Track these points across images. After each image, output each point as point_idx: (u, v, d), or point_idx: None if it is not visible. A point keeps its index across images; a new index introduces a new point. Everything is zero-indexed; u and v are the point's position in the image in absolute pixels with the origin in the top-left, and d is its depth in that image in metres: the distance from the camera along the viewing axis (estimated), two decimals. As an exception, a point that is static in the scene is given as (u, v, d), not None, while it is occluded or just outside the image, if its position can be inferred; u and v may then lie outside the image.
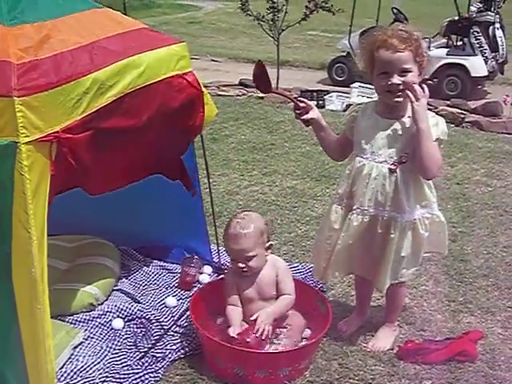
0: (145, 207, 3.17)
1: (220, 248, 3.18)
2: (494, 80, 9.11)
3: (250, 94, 7.78)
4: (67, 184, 2.32)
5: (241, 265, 2.42)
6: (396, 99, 2.27)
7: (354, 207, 2.38)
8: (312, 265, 3.07)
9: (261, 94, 8.02)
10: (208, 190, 3.10)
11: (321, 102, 6.97)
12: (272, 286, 2.49)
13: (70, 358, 2.41)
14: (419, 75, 2.27)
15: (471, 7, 8.56)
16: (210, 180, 3.10)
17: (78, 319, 2.65)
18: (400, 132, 2.30)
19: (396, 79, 2.22)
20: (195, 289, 2.89)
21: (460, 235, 3.53)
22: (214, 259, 3.17)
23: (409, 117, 2.28)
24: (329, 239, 2.47)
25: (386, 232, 2.36)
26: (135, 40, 2.44)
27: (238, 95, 7.75)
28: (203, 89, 2.72)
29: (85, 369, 2.35)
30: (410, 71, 2.23)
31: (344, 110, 6.79)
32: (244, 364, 2.26)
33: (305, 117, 2.41)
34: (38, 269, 1.93)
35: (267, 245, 2.49)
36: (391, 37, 2.22)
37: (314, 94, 7.07)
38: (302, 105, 2.41)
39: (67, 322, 2.62)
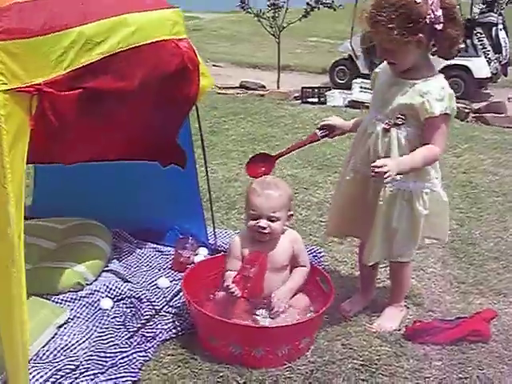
0: (139, 189, 3.04)
1: (216, 230, 3.05)
2: (497, 82, 8.99)
3: (250, 92, 7.68)
4: (45, 146, 2.16)
5: (263, 224, 2.25)
6: (389, 66, 2.21)
7: (351, 162, 2.33)
8: (313, 247, 2.99)
9: (262, 92, 7.93)
10: (205, 177, 2.97)
11: (322, 99, 6.84)
12: (286, 257, 2.34)
13: (53, 336, 2.25)
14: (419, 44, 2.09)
15: (474, 8, 8.46)
16: (208, 169, 2.98)
17: (65, 298, 2.50)
18: (401, 92, 2.15)
19: (383, 53, 2.16)
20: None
21: (467, 220, 3.38)
22: (210, 241, 3.02)
23: (414, 79, 2.13)
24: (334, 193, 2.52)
25: (376, 197, 2.23)
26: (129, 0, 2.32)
27: (238, 93, 7.64)
28: (199, 58, 2.58)
29: (69, 347, 2.20)
30: (396, 49, 2.09)
31: (346, 106, 6.68)
32: (240, 340, 2.10)
33: (332, 136, 2.47)
34: (16, 230, 1.76)
35: (289, 214, 2.35)
36: (374, 11, 2.06)
37: (316, 90, 6.95)
38: (319, 134, 2.43)
39: (53, 301, 2.47)
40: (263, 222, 2.25)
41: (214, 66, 13.41)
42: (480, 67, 8.27)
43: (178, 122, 2.74)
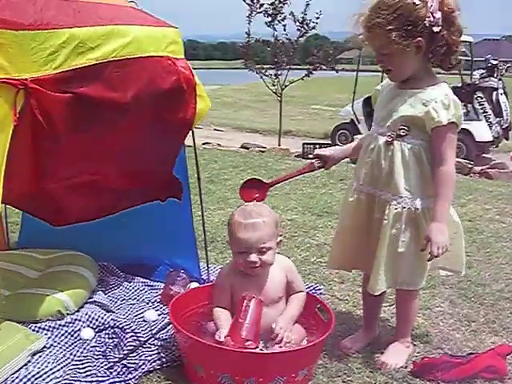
0: (131, 222, 2.90)
1: (210, 266, 2.88)
2: (498, 147, 9.02)
3: (251, 149, 7.67)
4: (35, 170, 2.07)
5: (254, 258, 2.04)
6: (386, 75, 2.13)
7: (354, 182, 2.20)
8: (312, 284, 2.83)
9: (263, 144, 7.94)
10: (201, 220, 2.84)
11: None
12: (280, 289, 2.14)
13: (26, 364, 2.05)
14: (418, 49, 2.00)
15: (474, 73, 8.60)
16: (205, 213, 2.86)
17: (43, 326, 2.31)
18: (402, 102, 2.05)
19: (379, 59, 2.06)
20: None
21: (476, 262, 3.20)
22: (203, 276, 2.84)
23: (416, 88, 2.04)
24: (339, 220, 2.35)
25: (382, 218, 2.08)
26: (125, 13, 2.29)
27: (238, 149, 7.62)
28: (196, 79, 2.51)
29: (41, 375, 2.00)
30: (392, 53, 2.00)
31: (348, 163, 6.62)
32: (230, 368, 1.89)
33: (327, 167, 2.38)
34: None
35: (278, 239, 2.14)
36: (371, 14, 1.98)
37: (317, 146, 6.93)
38: (316, 164, 2.34)
39: (30, 329, 2.27)
40: (253, 257, 2.04)
41: (215, 130, 13.59)
42: (481, 131, 8.32)
43: (174, 148, 2.65)
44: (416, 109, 2.01)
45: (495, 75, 8.39)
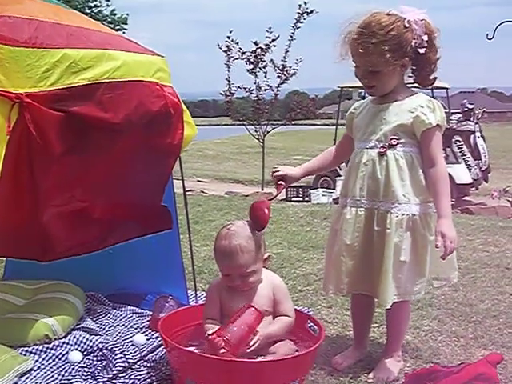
0: (119, 253, 2.89)
1: (198, 293, 2.88)
2: (478, 189, 9.18)
3: (234, 194, 7.73)
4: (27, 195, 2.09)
5: (237, 282, 2.06)
6: (368, 91, 2.23)
7: (348, 199, 2.20)
8: (301, 307, 2.81)
9: (246, 192, 8.01)
10: (188, 255, 2.89)
11: (307, 198, 6.87)
12: (267, 303, 2.13)
13: (13, 385, 2.01)
14: (402, 68, 2.13)
15: (451, 117, 8.84)
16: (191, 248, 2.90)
17: (30, 350, 2.27)
18: (388, 114, 2.15)
19: (364, 76, 2.15)
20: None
21: (462, 286, 3.23)
22: (192, 303, 2.83)
23: (397, 100, 2.15)
24: (331, 242, 2.29)
25: (383, 229, 2.11)
26: (115, 40, 2.38)
27: (221, 195, 7.67)
28: (183, 106, 2.58)
29: (29, 394, 1.95)
30: (380, 71, 2.10)
31: (331, 203, 6.70)
32: (221, 379, 1.87)
33: (287, 185, 2.40)
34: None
35: (265, 257, 2.14)
36: (362, 31, 2.09)
37: (300, 189, 7.00)
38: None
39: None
40: (237, 280, 2.06)
41: (198, 181, 13.65)
42: (461, 173, 8.50)
43: (163, 177, 2.67)
44: (403, 117, 2.11)
45: (472, 119, 8.64)
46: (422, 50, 2.09)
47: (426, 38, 2.08)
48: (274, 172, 2.35)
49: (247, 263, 2.04)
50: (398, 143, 2.12)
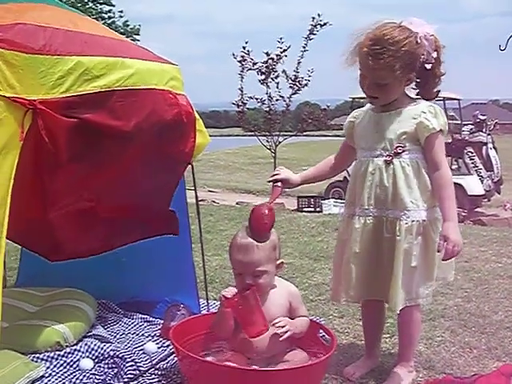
0: (131, 262, 2.91)
1: (210, 302, 2.88)
2: (490, 201, 9.11)
3: (245, 204, 7.73)
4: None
5: (248, 281, 2.05)
6: (371, 101, 2.23)
7: (356, 210, 2.19)
8: (312, 317, 2.80)
9: (257, 203, 8.01)
10: (200, 264, 2.89)
11: (318, 208, 6.86)
12: (282, 312, 2.12)
13: (25, 391, 2.01)
14: (407, 82, 2.15)
15: (463, 128, 8.81)
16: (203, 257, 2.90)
17: (42, 357, 2.27)
18: (391, 122, 2.16)
19: (370, 86, 2.14)
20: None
21: (475, 297, 3.21)
22: (203, 311, 2.83)
23: (399, 108, 2.16)
24: (339, 252, 2.28)
25: (393, 236, 2.11)
26: (129, 48, 2.39)
27: (232, 205, 7.68)
28: (196, 114, 2.59)
29: (41, 401, 1.96)
30: (386, 84, 2.11)
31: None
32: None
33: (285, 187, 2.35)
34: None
35: (278, 262, 2.15)
36: (373, 43, 2.08)
37: (312, 199, 6.99)
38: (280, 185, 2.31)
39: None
40: (248, 279, 2.05)
41: (209, 191, 13.67)
42: (473, 185, 8.44)
43: (172, 182, 2.69)
44: (407, 124, 2.12)
45: (484, 130, 8.61)
46: (428, 66, 2.11)
47: (435, 54, 2.11)
48: (274, 174, 2.33)
49: (260, 261, 2.04)
50: (403, 151, 2.12)
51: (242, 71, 10.06)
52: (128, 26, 24.68)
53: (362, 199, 2.18)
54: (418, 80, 2.18)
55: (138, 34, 24.72)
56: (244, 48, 10.54)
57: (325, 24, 10.93)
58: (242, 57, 10.33)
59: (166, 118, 2.37)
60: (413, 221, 2.09)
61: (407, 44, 2.07)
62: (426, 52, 2.10)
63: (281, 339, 1.98)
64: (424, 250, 2.12)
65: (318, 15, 10.92)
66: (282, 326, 2.01)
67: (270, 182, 2.34)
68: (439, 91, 2.22)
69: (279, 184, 2.31)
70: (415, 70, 2.11)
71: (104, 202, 2.50)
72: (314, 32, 10.96)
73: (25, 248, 2.87)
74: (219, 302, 2.09)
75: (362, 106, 2.40)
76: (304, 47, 10.77)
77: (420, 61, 2.10)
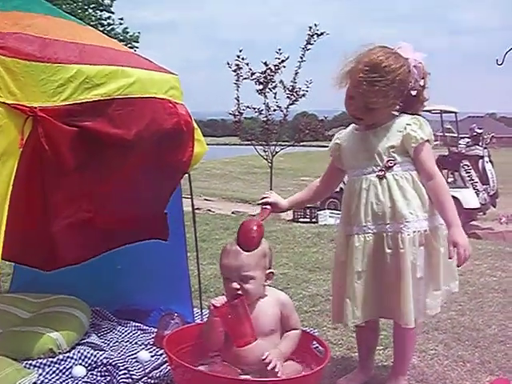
0: (126, 269, 2.92)
1: (204, 311, 2.87)
2: (486, 214, 9.13)
3: (241, 214, 7.73)
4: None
5: (235, 285, 2.05)
6: (356, 122, 2.24)
7: (354, 228, 2.18)
8: (306, 328, 2.80)
9: (253, 213, 8.01)
10: (194, 273, 2.91)
11: (314, 219, 6.87)
12: (273, 322, 2.12)
13: (16, 399, 2.00)
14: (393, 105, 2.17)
15: (460, 141, 8.84)
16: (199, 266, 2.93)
17: (34, 364, 2.27)
18: (378, 138, 2.17)
19: (358, 109, 2.16)
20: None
21: (468, 311, 3.21)
22: (197, 321, 2.82)
23: (384, 124, 2.18)
24: (339, 273, 2.26)
25: (396, 250, 2.11)
26: (129, 57, 2.40)
27: (228, 214, 7.67)
28: (194, 124, 2.60)
29: (32, 408, 1.95)
30: (375, 107, 2.12)
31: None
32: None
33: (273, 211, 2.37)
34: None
35: (268, 271, 2.14)
36: (364, 68, 2.10)
37: (307, 210, 7.00)
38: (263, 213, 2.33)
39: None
40: (235, 284, 2.05)
41: (205, 199, 13.66)
42: (469, 198, 8.46)
43: (168, 191, 2.70)
44: (394, 138, 2.15)
45: (480, 143, 8.64)
46: (414, 93, 2.16)
47: (422, 82, 2.16)
48: (264, 197, 2.37)
49: (248, 266, 2.04)
50: (394, 164, 2.14)
51: (237, 80, 10.09)
52: (127, 33, 24.75)
53: (358, 217, 2.17)
54: (401, 104, 2.19)
55: (137, 42, 24.79)
56: (238, 56, 10.58)
57: (321, 34, 10.99)
58: (237, 65, 10.38)
59: (165, 127, 2.38)
60: (414, 231, 2.10)
61: (401, 73, 2.11)
62: (414, 80, 2.15)
63: (274, 371, 1.95)
64: (428, 259, 2.13)
65: (315, 25, 10.99)
66: (269, 363, 1.95)
67: (259, 204, 2.38)
68: (423, 107, 2.26)
69: (268, 207, 2.34)
70: (402, 95, 2.15)
71: (102, 212, 2.50)
72: (311, 42, 11.02)
73: (15, 262, 2.86)
74: (208, 311, 2.09)
75: None
76: (301, 57, 10.83)
77: (407, 87, 2.15)
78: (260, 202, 2.37)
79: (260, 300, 2.13)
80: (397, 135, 2.14)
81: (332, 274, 2.38)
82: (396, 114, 2.21)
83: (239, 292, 2.05)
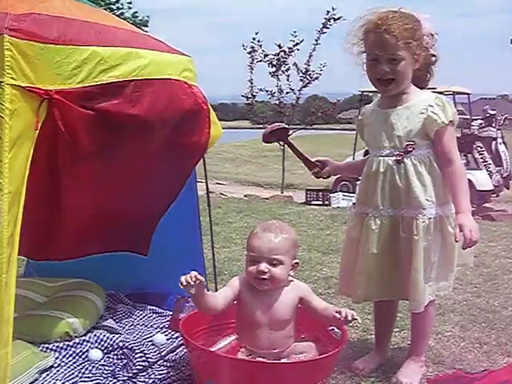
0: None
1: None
2: (499, 196, 9.06)
3: (254, 197, 7.71)
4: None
5: (263, 267, 2.00)
6: (384, 88, 2.14)
7: (369, 210, 2.16)
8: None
9: (265, 195, 7.99)
10: (209, 256, 2.92)
11: (327, 201, 6.84)
12: (290, 311, 2.09)
13: (33, 381, 2.02)
14: (416, 63, 2.11)
15: (473, 123, 8.75)
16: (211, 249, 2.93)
17: (50, 347, 2.28)
18: (399, 119, 2.13)
19: (385, 67, 2.08)
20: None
21: (484, 293, 3.20)
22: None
23: (406, 102, 2.13)
24: (349, 248, 2.27)
25: (410, 235, 2.08)
26: (142, 39, 2.37)
27: (240, 198, 7.67)
28: (209, 106, 2.57)
29: (50, 392, 1.96)
30: (402, 59, 2.06)
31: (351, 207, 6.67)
32: (243, 381, 1.86)
33: (321, 175, 2.41)
34: (6, 230, 1.63)
35: (294, 262, 2.10)
36: (383, 19, 2.05)
37: (320, 193, 6.97)
38: (315, 170, 2.40)
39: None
40: (263, 266, 2.00)
41: (217, 183, 13.66)
42: (482, 180, 8.38)
43: (184, 174, 2.68)
44: (415, 120, 2.10)
45: (493, 125, 8.54)
46: (432, 51, 2.12)
47: (436, 37, 2.12)
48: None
49: (280, 248, 2.01)
50: (413, 148, 2.10)
51: (251, 62, 10.03)
52: (137, 17, 24.63)
53: (375, 200, 2.15)
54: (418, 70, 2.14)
55: (147, 26, 24.66)
56: (254, 39, 10.52)
57: (338, 18, 10.85)
58: (252, 48, 10.32)
59: (184, 107, 2.35)
60: (429, 218, 2.08)
61: (419, 29, 2.07)
62: (430, 46, 2.11)
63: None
64: (442, 243, 2.11)
65: (333, 9, 10.84)
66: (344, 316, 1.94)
67: (316, 161, 2.39)
68: (429, 81, 2.23)
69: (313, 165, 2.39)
70: (421, 49, 2.08)
71: (109, 204, 2.49)
72: (327, 26, 10.89)
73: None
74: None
75: (372, 101, 2.37)
76: (316, 40, 10.72)
77: (423, 42, 2.08)
78: (315, 159, 2.41)
79: (283, 289, 2.09)
80: (418, 117, 2.09)
81: (343, 247, 2.37)
82: (417, 88, 2.16)
83: (265, 276, 2.02)
